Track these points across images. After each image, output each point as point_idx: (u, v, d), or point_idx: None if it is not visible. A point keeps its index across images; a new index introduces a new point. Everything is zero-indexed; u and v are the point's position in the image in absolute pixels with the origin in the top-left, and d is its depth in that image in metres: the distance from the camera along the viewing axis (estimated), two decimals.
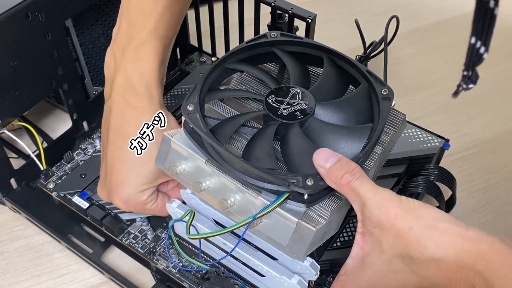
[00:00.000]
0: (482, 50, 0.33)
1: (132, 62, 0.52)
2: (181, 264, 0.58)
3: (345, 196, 0.43)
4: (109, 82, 0.54)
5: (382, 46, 0.83)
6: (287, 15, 0.71)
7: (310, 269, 0.48)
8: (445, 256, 0.39)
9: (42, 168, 0.66)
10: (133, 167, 0.53)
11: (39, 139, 0.67)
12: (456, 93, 0.38)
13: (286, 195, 0.42)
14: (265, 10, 0.68)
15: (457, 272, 0.39)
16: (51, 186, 0.65)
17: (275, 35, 0.51)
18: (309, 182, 0.40)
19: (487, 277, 0.37)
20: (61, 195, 0.64)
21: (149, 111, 0.52)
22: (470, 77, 0.36)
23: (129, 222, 0.62)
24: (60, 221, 0.63)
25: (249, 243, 0.52)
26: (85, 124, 0.70)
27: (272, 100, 0.46)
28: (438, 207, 0.61)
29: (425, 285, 0.41)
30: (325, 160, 0.42)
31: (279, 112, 0.46)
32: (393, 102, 0.47)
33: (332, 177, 0.42)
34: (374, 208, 0.41)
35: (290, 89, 0.47)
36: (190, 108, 0.44)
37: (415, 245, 0.40)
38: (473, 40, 0.33)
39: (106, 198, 0.56)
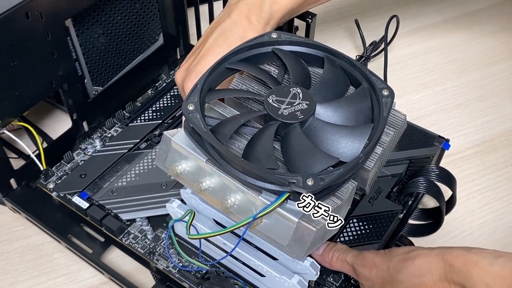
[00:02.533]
0: None
1: None
2: (181, 264, 0.58)
3: (340, 270, 0.53)
4: None
5: (382, 46, 0.84)
6: None
7: (310, 269, 0.48)
8: (421, 276, 0.46)
9: (42, 168, 0.66)
10: None
11: (39, 139, 0.67)
12: None
13: (287, 195, 0.42)
14: None
15: (435, 286, 0.45)
16: (51, 186, 0.65)
17: (276, 35, 0.51)
18: (310, 182, 0.40)
19: (457, 280, 0.44)
20: (61, 195, 0.64)
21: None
22: None
23: (129, 222, 0.62)
24: (60, 221, 0.63)
25: (249, 243, 0.52)
26: (85, 124, 0.70)
27: (272, 100, 0.46)
28: (438, 207, 0.61)
29: None
30: (317, 249, 0.53)
31: (279, 112, 0.46)
32: (394, 102, 0.47)
33: (326, 259, 0.53)
34: (360, 268, 0.51)
35: (291, 89, 0.47)
36: (190, 107, 0.44)
37: (395, 280, 0.48)
38: None
39: (180, 80, 0.58)
